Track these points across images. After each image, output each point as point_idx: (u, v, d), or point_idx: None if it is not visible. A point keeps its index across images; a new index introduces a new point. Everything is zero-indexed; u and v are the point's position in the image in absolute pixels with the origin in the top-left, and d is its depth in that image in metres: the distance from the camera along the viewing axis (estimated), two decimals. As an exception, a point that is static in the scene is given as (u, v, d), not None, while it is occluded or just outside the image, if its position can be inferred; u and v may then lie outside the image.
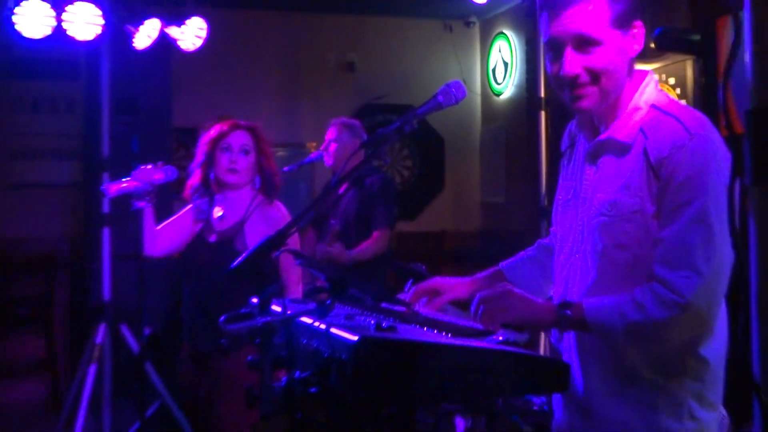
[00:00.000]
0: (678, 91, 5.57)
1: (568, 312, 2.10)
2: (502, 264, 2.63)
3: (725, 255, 2.00)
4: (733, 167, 1.45)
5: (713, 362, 2.16)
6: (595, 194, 2.20)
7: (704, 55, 5.31)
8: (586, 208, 2.23)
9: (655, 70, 5.75)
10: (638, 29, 2.16)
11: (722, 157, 2.05)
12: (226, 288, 3.62)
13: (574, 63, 2.12)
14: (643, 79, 2.21)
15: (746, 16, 1.38)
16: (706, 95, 5.39)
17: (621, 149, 2.16)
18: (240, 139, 3.87)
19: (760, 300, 1.43)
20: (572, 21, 2.10)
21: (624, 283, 2.11)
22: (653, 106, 2.15)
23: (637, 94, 2.18)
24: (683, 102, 5.56)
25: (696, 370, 2.13)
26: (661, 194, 2.06)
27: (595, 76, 2.13)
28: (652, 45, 5.42)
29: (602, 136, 2.21)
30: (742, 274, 1.44)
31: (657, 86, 2.22)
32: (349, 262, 5.10)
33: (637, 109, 2.17)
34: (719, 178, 2.03)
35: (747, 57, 1.38)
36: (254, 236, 3.76)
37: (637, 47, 2.17)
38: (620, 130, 2.17)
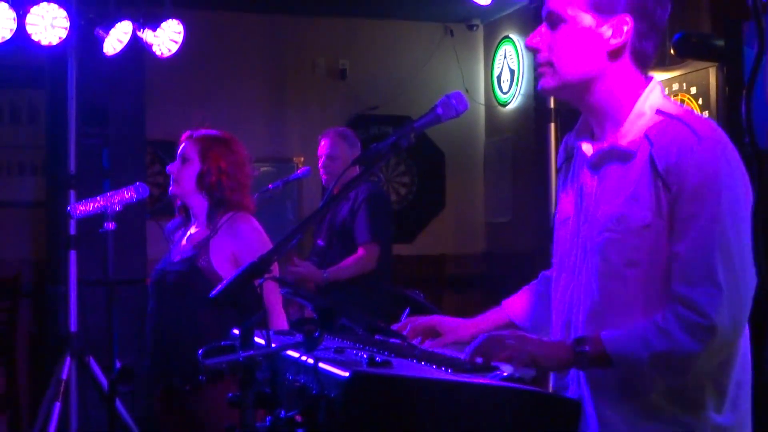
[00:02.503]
0: (700, 101, 5.59)
1: (587, 348, 2.08)
2: (504, 301, 2.63)
3: (747, 268, 2.00)
4: (756, 189, 1.46)
5: (738, 392, 2.16)
6: (598, 208, 2.20)
7: (728, 62, 5.33)
8: (588, 223, 2.23)
9: (674, 79, 5.79)
10: (625, 24, 2.17)
11: (735, 162, 2.08)
12: (199, 315, 3.62)
13: (537, 38, 2.24)
14: (647, 84, 2.22)
15: None
16: (731, 106, 5.41)
17: (625, 158, 2.16)
18: (183, 148, 3.86)
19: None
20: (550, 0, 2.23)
21: (633, 304, 2.13)
22: (659, 111, 2.16)
23: (641, 100, 2.19)
24: (703, 112, 5.59)
25: (718, 401, 2.13)
26: (673, 204, 2.06)
27: (552, 55, 2.21)
28: (672, 51, 5.46)
29: (605, 145, 2.22)
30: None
31: (663, 92, 2.24)
32: (323, 283, 5.03)
33: (641, 114, 2.18)
34: (734, 184, 2.06)
35: (773, 68, 1.39)
36: (219, 254, 3.74)
37: (617, 42, 2.18)
38: (624, 137, 2.17)
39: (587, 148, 2.26)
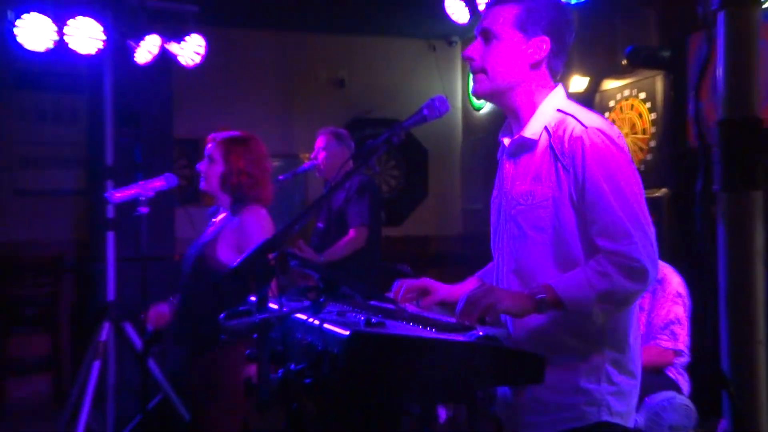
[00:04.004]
0: (648, 105, 5.59)
1: (544, 296, 2.12)
2: (478, 273, 2.70)
3: (646, 216, 2.15)
4: (701, 174, 1.46)
5: (631, 330, 2.29)
6: (513, 187, 2.36)
7: (674, 70, 5.33)
8: (507, 199, 2.38)
9: (626, 86, 5.80)
10: (544, 44, 2.34)
11: (615, 141, 2.21)
12: (218, 289, 3.60)
13: (473, 49, 2.37)
14: (552, 89, 2.38)
15: (719, 32, 1.37)
16: (676, 108, 5.42)
17: (530, 146, 2.33)
18: (209, 149, 3.84)
19: (728, 300, 1.43)
20: (486, 18, 2.38)
21: (545, 259, 2.27)
22: (558, 110, 2.31)
23: (545, 101, 2.36)
24: (650, 115, 5.59)
25: (615, 339, 2.25)
26: (575, 180, 2.20)
27: (485, 64, 2.35)
28: (624, 62, 5.45)
29: (515, 137, 2.39)
30: (711, 276, 1.45)
31: (566, 95, 2.39)
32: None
33: (544, 112, 2.34)
34: (618, 157, 2.19)
35: (719, 71, 1.38)
36: (223, 249, 3.70)
37: (536, 57, 2.34)
38: (529, 130, 2.34)
39: (506, 141, 2.45)
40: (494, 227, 2.49)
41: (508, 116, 2.46)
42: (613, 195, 2.14)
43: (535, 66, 2.35)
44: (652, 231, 2.15)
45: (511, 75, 2.35)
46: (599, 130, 2.21)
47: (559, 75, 2.42)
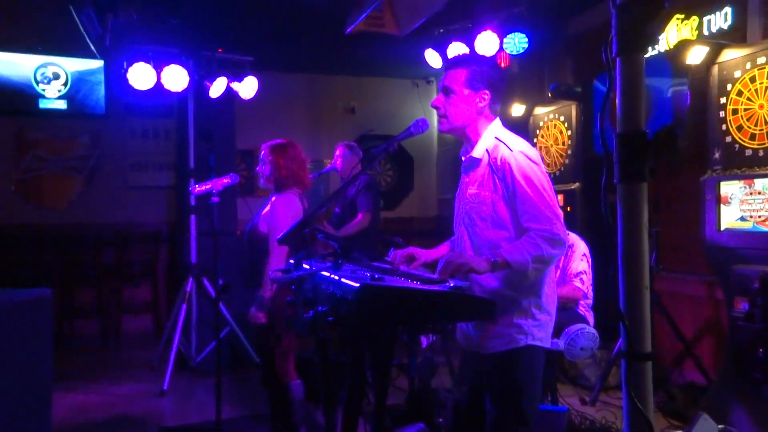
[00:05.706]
0: (566, 125, 5.56)
1: (497, 259, 2.16)
2: (447, 241, 2.69)
3: (557, 206, 2.20)
4: (605, 171, 1.45)
5: (546, 285, 2.34)
6: (466, 191, 2.37)
7: (584, 101, 5.32)
8: (463, 199, 2.40)
9: (551, 111, 5.76)
10: (486, 95, 2.35)
11: (533, 157, 2.25)
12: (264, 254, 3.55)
13: (438, 101, 2.38)
14: (492, 122, 2.38)
15: (617, 72, 1.38)
16: (584, 127, 5.41)
17: (476, 163, 2.35)
18: (262, 155, 3.74)
19: (624, 259, 1.43)
20: (446, 78, 2.37)
21: (486, 240, 2.29)
22: (496, 137, 2.32)
23: (486, 131, 2.36)
24: (567, 131, 5.55)
25: (536, 289, 2.31)
26: (506, 188, 2.23)
27: (446, 112, 2.36)
28: (549, 95, 5.42)
29: (467, 156, 2.40)
30: (612, 242, 1.44)
31: (502, 125, 2.39)
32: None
33: (486, 139, 2.34)
34: (535, 169, 2.22)
35: (618, 101, 1.39)
36: (263, 221, 3.59)
37: (481, 105, 2.35)
38: (475, 151, 2.36)
39: (464, 159, 2.45)
40: (455, 215, 2.50)
41: (464, 141, 2.46)
42: (535, 195, 2.19)
43: (480, 111, 2.37)
44: (561, 216, 2.21)
45: (463, 118, 2.36)
46: (521, 152, 2.25)
47: (497, 111, 2.44)
